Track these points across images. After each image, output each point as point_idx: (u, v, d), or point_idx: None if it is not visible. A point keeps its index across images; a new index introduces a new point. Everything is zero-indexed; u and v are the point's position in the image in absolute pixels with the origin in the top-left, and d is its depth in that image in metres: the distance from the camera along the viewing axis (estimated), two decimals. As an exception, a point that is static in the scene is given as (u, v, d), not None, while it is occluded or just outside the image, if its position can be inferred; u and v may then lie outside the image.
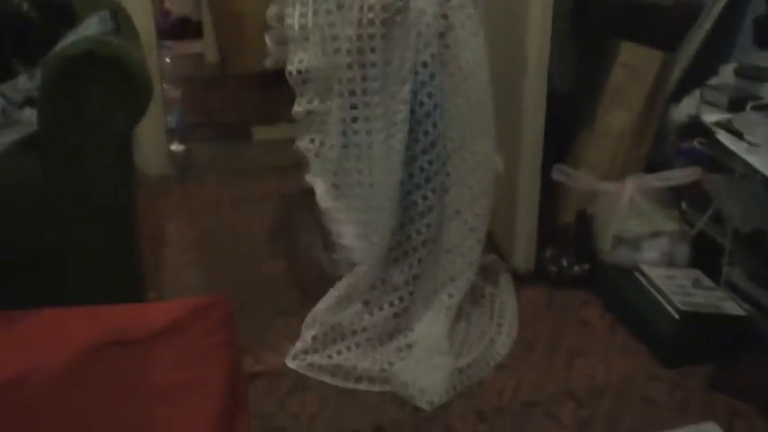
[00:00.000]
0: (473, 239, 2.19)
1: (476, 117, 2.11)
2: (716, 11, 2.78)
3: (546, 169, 2.47)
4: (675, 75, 2.75)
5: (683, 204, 2.48)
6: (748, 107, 2.11)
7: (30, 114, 1.95)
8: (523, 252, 2.52)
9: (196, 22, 4.67)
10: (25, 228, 1.94)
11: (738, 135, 2.01)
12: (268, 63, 2.48)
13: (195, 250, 2.73)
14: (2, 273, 1.96)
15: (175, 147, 3.38)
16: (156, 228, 2.85)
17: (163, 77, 3.27)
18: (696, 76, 2.74)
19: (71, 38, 1.98)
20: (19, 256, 1.97)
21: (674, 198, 2.47)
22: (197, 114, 3.78)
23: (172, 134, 3.40)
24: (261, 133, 3.69)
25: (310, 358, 2.10)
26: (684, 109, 2.64)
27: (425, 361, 2.03)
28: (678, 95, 2.74)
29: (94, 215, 2.00)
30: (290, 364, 2.10)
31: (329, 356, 2.10)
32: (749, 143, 1.97)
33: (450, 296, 2.18)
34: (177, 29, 4.85)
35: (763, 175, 1.90)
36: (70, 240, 1.98)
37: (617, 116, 2.56)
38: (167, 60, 3.51)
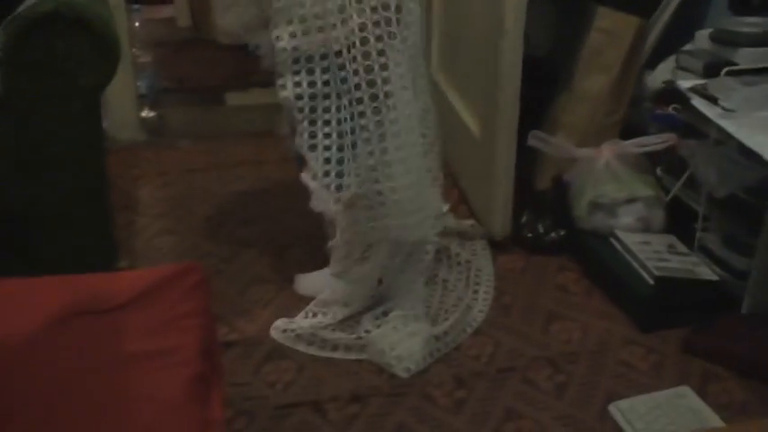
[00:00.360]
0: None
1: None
2: (692, -24, 2.77)
3: (522, 134, 2.46)
4: (651, 40, 2.74)
5: (659, 170, 2.48)
6: (723, 72, 2.10)
7: (-5, 76, 1.89)
8: (500, 218, 2.51)
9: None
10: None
11: (713, 101, 2.01)
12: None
13: (168, 217, 2.70)
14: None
15: (146, 113, 3.33)
16: (127, 194, 2.81)
17: (132, 41, 3.20)
18: (671, 42, 2.73)
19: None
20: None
21: (649, 164, 2.47)
22: (169, 79, 3.72)
23: (143, 100, 3.35)
24: (234, 99, 3.64)
25: (286, 326, 2.09)
26: (659, 75, 2.63)
27: (402, 328, 2.03)
28: (653, 62, 2.74)
29: (63, 179, 1.96)
30: (272, 333, 2.09)
31: (305, 325, 2.09)
32: (724, 108, 1.97)
33: (427, 253, 2.17)
34: (147, -8, 4.76)
35: (737, 141, 1.90)
36: (40, 206, 1.95)
37: (594, 80, 2.55)
38: (137, 24, 3.44)
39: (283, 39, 1.88)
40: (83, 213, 2.05)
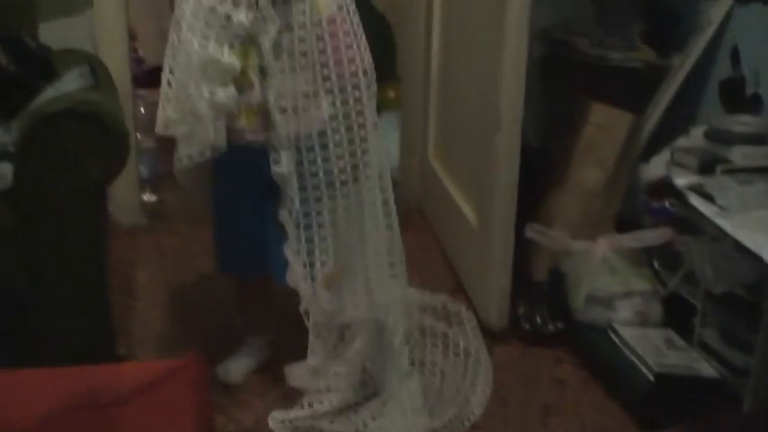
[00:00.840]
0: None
1: None
2: (682, 72, 2.86)
3: (518, 223, 2.49)
4: (645, 134, 2.81)
5: (656, 263, 2.51)
6: (718, 170, 2.15)
7: (4, 169, 1.93)
8: (497, 308, 2.52)
9: (169, 71, 4.68)
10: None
11: (709, 198, 2.05)
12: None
13: (166, 303, 2.70)
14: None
15: (148, 196, 3.36)
16: (127, 279, 2.82)
17: (137, 127, 3.25)
18: (665, 134, 2.80)
19: (50, 93, 1.98)
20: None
21: (646, 257, 2.50)
22: (169, 163, 3.75)
23: (144, 183, 3.39)
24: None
25: (284, 416, 2.08)
26: (654, 168, 2.68)
27: (400, 422, 2.02)
28: (647, 154, 2.80)
29: (66, 267, 1.99)
30: (270, 423, 2.06)
31: (303, 416, 2.07)
32: (720, 207, 2.01)
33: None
34: (151, 77, 4.84)
35: (733, 239, 1.93)
36: (41, 290, 1.97)
37: (588, 174, 2.60)
38: (141, 110, 3.50)
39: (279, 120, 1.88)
40: (83, 298, 2.07)
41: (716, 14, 2.83)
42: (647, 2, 3.17)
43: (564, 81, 2.99)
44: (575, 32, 3.12)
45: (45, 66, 2.17)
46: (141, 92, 3.61)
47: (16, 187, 1.88)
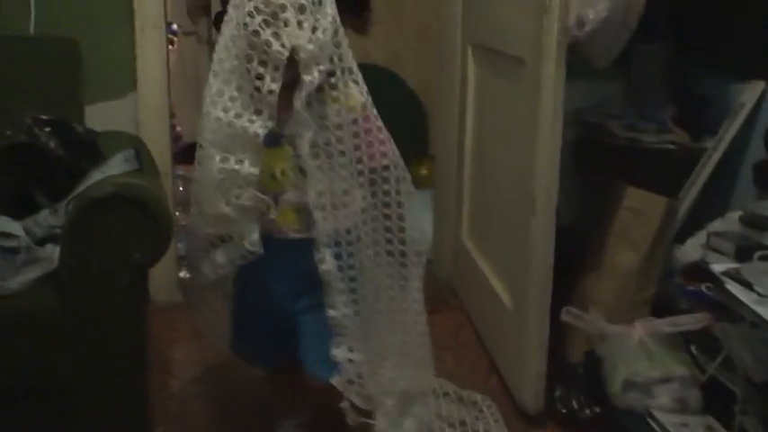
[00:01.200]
0: None
1: None
2: (716, 155, 2.88)
3: (553, 306, 2.49)
4: (680, 216, 2.82)
5: (693, 348, 2.48)
6: (756, 257, 2.15)
7: (51, 251, 1.98)
8: (532, 391, 2.50)
9: (207, 148, 4.78)
10: (39, 358, 1.96)
11: (748, 285, 2.04)
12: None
13: (203, 382, 2.72)
14: (11, 402, 1.97)
15: (184, 274, 3.40)
16: (163, 357, 2.84)
17: (174, 205, 3.32)
18: (699, 217, 2.81)
19: (97, 176, 2.04)
20: (31, 386, 1.98)
21: (683, 341, 2.48)
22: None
23: (181, 261, 3.43)
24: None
25: None
26: (689, 250, 2.68)
27: None
28: (682, 236, 2.80)
29: (108, 347, 2.02)
30: None
31: None
32: (759, 294, 2.00)
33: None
34: (188, 153, 4.94)
35: (773, 326, 1.92)
36: (80, 372, 1.99)
37: (623, 257, 2.61)
38: (180, 188, 3.58)
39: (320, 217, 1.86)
40: (122, 378, 2.09)
41: (748, 97, 2.86)
42: (678, 84, 3.22)
43: (597, 163, 3.03)
44: (607, 115, 3.17)
45: (92, 149, 2.24)
46: (179, 170, 3.70)
47: (61, 269, 1.92)
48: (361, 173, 1.85)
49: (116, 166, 2.08)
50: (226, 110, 1.74)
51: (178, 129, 5.23)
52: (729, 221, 2.43)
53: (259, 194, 1.81)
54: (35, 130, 2.19)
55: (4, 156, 2.16)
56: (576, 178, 3.22)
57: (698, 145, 2.96)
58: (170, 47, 5.15)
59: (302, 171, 1.81)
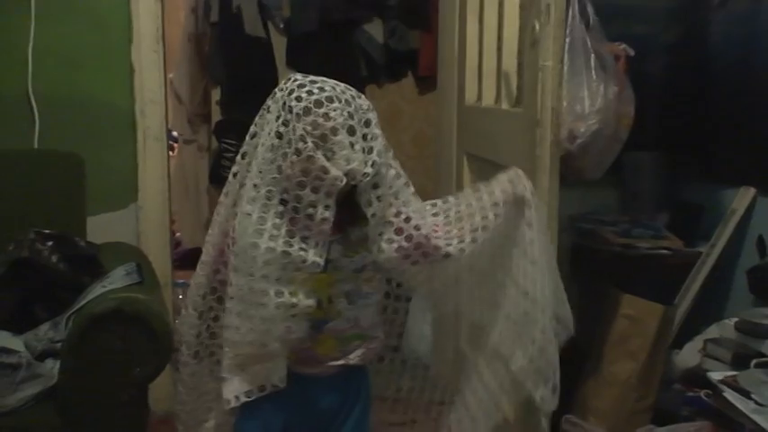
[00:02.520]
0: None
1: None
2: (710, 261, 2.91)
3: (553, 416, 2.48)
4: (675, 323, 2.83)
5: (694, 457, 2.46)
6: (752, 364, 2.16)
7: (51, 366, 1.99)
8: (535, 504, 2.46)
9: (206, 254, 4.80)
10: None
11: (745, 394, 2.05)
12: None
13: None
14: None
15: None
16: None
17: (175, 314, 3.32)
18: (696, 322, 2.82)
19: (97, 290, 2.06)
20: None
21: (684, 449, 2.46)
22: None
23: (179, 370, 3.41)
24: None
25: None
26: (687, 356, 2.69)
27: None
28: (680, 342, 2.81)
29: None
30: None
31: None
32: (757, 403, 2.00)
33: None
34: (188, 259, 4.99)
35: (773, 436, 1.92)
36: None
37: (622, 366, 2.61)
38: (180, 297, 3.59)
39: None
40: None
41: (739, 204, 2.91)
42: (671, 191, 3.28)
43: (593, 271, 3.05)
44: (601, 222, 3.21)
45: (93, 264, 2.27)
46: (179, 279, 3.71)
47: (60, 384, 1.93)
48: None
49: (117, 280, 2.10)
50: (273, 238, 1.58)
51: (177, 234, 5.28)
52: (725, 328, 2.45)
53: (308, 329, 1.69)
54: (37, 245, 2.22)
55: (6, 271, 2.18)
56: (574, 286, 3.24)
57: (692, 250, 3.00)
58: (170, 153, 5.27)
59: (348, 297, 1.71)
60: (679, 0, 3.31)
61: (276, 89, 1.66)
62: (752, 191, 2.88)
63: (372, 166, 1.59)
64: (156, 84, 3.01)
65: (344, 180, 1.56)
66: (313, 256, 1.59)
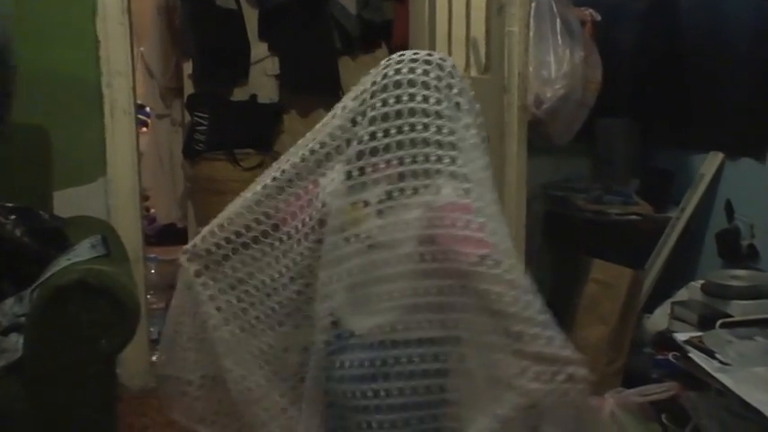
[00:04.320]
0: None
1: None
2: (679, 226, 2.93)
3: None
4: (646, 287, 2.85)
5: (664, 418, 2.48)
6: (717, 325, 2.18)
7: (16, 341, 1.97)
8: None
9: (182, 229, 4.79)
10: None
11: (710, 354, 2.06)
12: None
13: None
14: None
15: (157, 358, 3.37)
16: (135, 444, 2.80)
17: (147, 288, 3.31)
18: (667, 286, 2.84)
19: (62, 263, 2.04)
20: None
21: (654, 411, 2.48)
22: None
23: (154, 344, 3.40)
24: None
25: None
26: (657, 320, 2.71)
27: None
28: (650, 306, 2.83)
29: (75, 434, 1.99)
30: None
31: None
32: (721, 362, 2.02)
33: None
34: (163, 235, 4.96)
35: (737, 395, 1.94)
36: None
37: (593, 331, 2.63)
38: (152, 271, 3.58)
39: None
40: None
41: (707, 169, 2.93)
42: (642, 158, 3.30)
43: (565, 237, 3.07)
44: (573, 189, 3.23)
45: (58, 237, 2.25)
46: (152, 254, 3.70)
47: (26, 358, 1.91)
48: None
49: (82, 253, 2.08)
50: None
51: (152, 211, 5.25)
52: (693, 291, 2.47)
53: None
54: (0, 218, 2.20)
55: (-31, 246, 2.16)
56: (547, 253, 3.27)
57: (662, 216, 3.02)
58: (143, 129, 5.22)
59: None
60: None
61: None
62: (720, 156, 2.90)
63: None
64: (122, 56, 2.97)
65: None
66: None
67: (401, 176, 1.53)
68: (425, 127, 1.53)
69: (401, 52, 1.62)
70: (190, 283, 1.78)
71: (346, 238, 1.57)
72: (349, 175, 1.57)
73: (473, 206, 1.53)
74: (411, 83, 1.55)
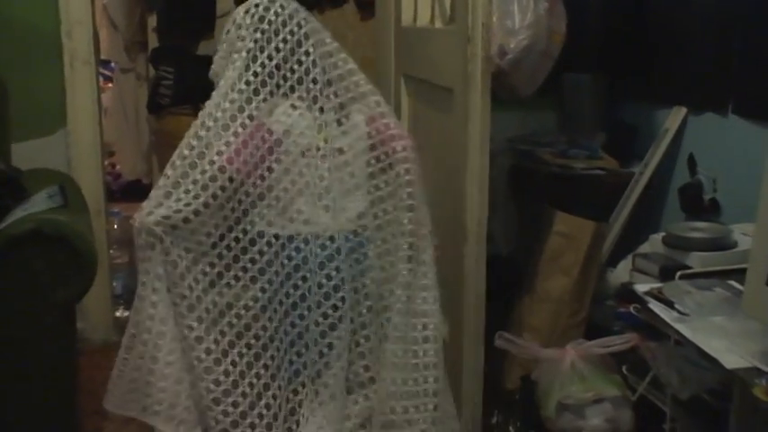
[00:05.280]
0: None
1: None
2: (643, 180, 2.94)
3: (489, 333, 2.51)
4: (609, 241, 2.87)
5: (624, 369, 2.52)
6: (677, 276, 2.20)
7: (-29, 290, 1.95)
8: (470, 419, 2.50)
9: (147, 185, 4.75)
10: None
11: (669, 304, 2.08)
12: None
13: (137, 422, 2.66)
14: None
15: (121, 312, 3.36)
16: (97, 398, 2.77)
17: (110, 243, 3.28)
18: (630, 241, 2.86)
19: (18, 213, 2.01)
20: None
21: (615, 362, 2.51)
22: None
23: (117, 299, 3.39)
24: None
25: None
26: (620, 273, 2.73)
27: None
28: (614, 260, 2.85)
29: (35, 389, 1.97)
30: None
31: None
32: (679, 312, 2.04)
33: None
34: (128, 191, 4.92)
35: (695, 344, 1.96)
36: (10, 417, 1.95)
37: (555, 282, 2.64)
38: (115, 226, 3.55)
39: None
40: (51, 422, 2.05)
41: (671, 123, 2.94)
42: (608, 112, 3.30)
43: (531, 191, 3.08)
44: (539, 143, 3.22)
45: (15, 187, 2.21)
46: (116, 208, 3.66)
47: (-18, 309, 1.89)
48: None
49: (39, 203, 2.05)
50: None
51: (117, 167, 5.19)
52: (654, 243, 2.48)
53: None
54: (-45, 168, 2.16)
55: None
56: (513, 206, 3.27)
57: (626, 170, 3.03)
58: (108, 84, 5.14)
59: None
60: None
61: None
62: (683, 110, 2.90)
63: None
64: (82, 6, 2.91)
65: None
66: None
67: (341, 105, 1.94)
68: (345, 61, 1.95)
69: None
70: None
71: (305, 154, 1.89)
72: (309, 108, 1.90)
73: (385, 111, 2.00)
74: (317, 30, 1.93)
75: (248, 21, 1.87)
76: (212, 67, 2.00)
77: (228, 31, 1.92)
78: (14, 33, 2.85)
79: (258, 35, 1.86)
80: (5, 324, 1.88)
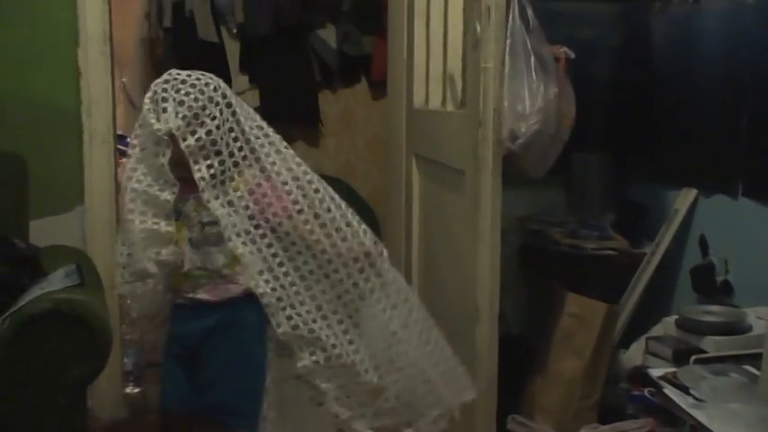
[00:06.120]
0: None
1: None
2: (654, 261, 2.95)
3: (501, 415, 2.49)
4: (621, 322, 2.86)
5: (639, 453, 2.49)
6: (692, 360, 2.19)
7: (-13, 370, 1.95)
8: (482, 502, 2.47)
9: (158, 260, 4.76)
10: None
11: (684, 390, 2.07)
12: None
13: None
14: None
15: (130, 389, 3.34)
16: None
17: (122, 319, 3.28)
18: (643, 322, 2.86)
19: (36, 292, 2.03)
20: None
21: (629, 446, 2.49)
22: (155, 353, 3.75)
23: (127, 376, 3.37)
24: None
25: None
26: (633, 355, 2.72)
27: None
28: (626, 341, 2.84)
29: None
30: None
31: None
32: (695, 398, 2.03)
33: None
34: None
35: (711, 430, 1.94)
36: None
37: (567, 364, 2.63)
38: (128, 301, 3.54)
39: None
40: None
41: (682, 204, 2.96)
42: (617, 192, 3.33)
43: (541, 271, 3.09)
44: (549, 222, 3.25)
45: (32, 266, 2.24)
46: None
47: (-3, 386, 1.89)
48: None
49: (56, 282, 2.07)
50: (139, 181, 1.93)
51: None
52: (667, 326, 2.48)
53: (176, 248, 1.93)
54: (-26, 247, 2.18)
55: (-58, 273, 2.15)
56: (524, 286, 3.28)
57: (637, 251, 3.04)
58: (122, 160, 5.20)
59: (192, 242, 1.95)
60: (621, 5, 3.37)
61: None
62: (693, 192, 2.93)
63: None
64: (103, 85, 2.98)
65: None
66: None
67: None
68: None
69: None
70: None
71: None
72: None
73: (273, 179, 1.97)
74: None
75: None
76: None
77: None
78: (35, 111, 2.91)
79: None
80: (19, 403, 1.88)
